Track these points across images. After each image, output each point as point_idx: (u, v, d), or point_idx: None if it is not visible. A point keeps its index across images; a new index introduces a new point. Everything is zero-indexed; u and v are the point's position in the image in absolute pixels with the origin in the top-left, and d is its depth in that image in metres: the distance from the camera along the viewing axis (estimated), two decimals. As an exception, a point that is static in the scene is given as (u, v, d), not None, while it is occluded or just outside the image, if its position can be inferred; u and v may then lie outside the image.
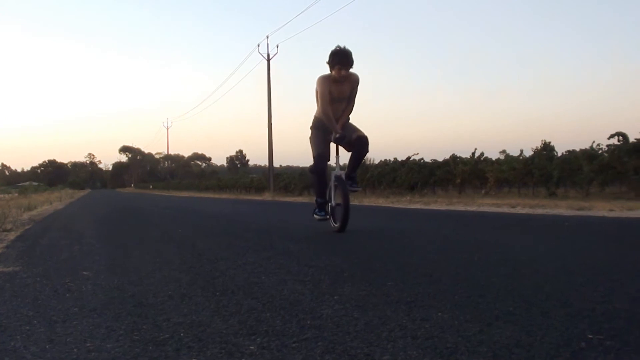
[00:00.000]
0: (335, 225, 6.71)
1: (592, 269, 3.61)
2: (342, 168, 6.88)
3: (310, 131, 7.05)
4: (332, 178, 6.87)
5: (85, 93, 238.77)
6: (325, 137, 6.86)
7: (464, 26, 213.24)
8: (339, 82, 6.57)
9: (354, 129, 6.81)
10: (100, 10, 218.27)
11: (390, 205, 15.03)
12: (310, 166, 6.92)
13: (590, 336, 2.10)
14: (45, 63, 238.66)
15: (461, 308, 2.60)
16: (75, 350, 2.18)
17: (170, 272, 4.04)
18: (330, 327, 2.36)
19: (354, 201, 17.71)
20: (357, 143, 6.74)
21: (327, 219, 6.88)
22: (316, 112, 6.91)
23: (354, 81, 6.72)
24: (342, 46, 6.44)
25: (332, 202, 6.90)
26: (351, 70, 6.56)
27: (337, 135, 6.63)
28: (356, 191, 6.95)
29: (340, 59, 6.40)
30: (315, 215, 6.97)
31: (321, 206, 6.92)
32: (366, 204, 16.38)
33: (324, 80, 6.60)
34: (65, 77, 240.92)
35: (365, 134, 6.78)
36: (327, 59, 6.48)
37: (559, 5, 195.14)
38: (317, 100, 6.78)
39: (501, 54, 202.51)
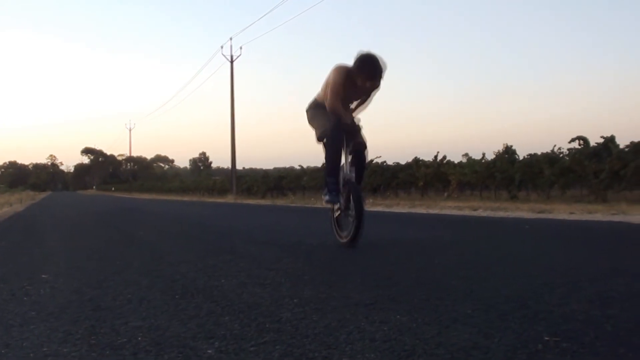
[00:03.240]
0: (343, 237, 5.52)
1: (551, 272, 3.65)
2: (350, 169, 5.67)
3: (307, 113, 6.00)
4: (340, 180, 5.67)
5: (47, 94, 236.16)
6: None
7: (428, 29, 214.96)
8: (358, 85, 5.53)
9: (357, 131, 5.74)
10: (64, 8, 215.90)
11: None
12: (322, 133, 5.70)
13: (547, 338, 2.11)
14: (4, 64, 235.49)
15: (420, 311, 2.61)
16: (31, 355, 2.15)
17: (130, 276, 4.00)
18: (289, 330, 2.35)
19: (306, 204, 17.73)
20: (355, 149, 5.72)
21: (337, 204, 5.68)
22: (317, 96, 5.88)
23: (375, 85, 5.64)
24: (376, 56, 5.42)
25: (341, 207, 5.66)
26: None
27: (347, 121, 5.57)
28: None
29: (371, 71, 5.40)
30: (324, 197, 5.79)
31: (332, 187, 5.66)
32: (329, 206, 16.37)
33: (342, 74, 5.53)
34: (26, 77, 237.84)
35: (365, 139, 5.78)
36: (355, 60, 5.42)
37: (520, 11, 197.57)
38: (326, 89, 5.69)
39: (463, 58, 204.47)
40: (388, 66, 5.40)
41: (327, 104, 5.64)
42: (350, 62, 5.40)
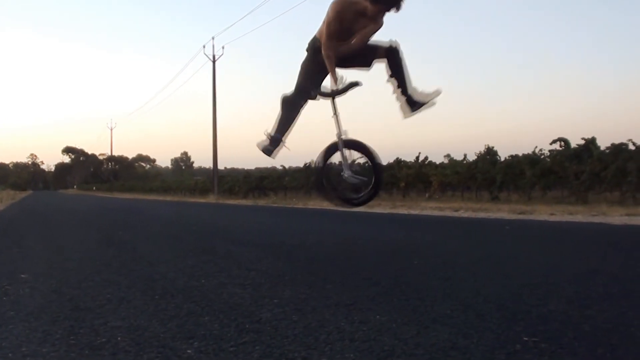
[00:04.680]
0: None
1: (530, 272, 3.67)
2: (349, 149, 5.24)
3: (306, 51, 5.34)
4: (340, 143, 5.22)
5: (27, 93, 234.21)
6: (321, 68, 5.15)
7: (410, 28, 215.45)
8: (364, 17, 4.86)
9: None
10: (45, 6, 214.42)
11: (334, 208, 15.07)
12: (285, 96, 5.33)
13: (525, 338, 2.13)
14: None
15: (399, 311, 2.61)
16: (10, 355, 2.13)
17: (110, 276, 3.98)
18: (268, 330, 2.35)
19: (287, 204, 17.72)
20: (389, 56, 5.13)
21: (270, 156, 5.39)
22: (317, 32, 5.20)
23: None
24: None
25: (346, 173, 5.16)
26: None
27: (336, 89, 5.11)
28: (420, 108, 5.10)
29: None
30: (260, 146, 5.44)
31: (274, 141, 5.31)
32: (310, 206, 16.42)
33: (339, 6, 4.86)
34: (6, 76, 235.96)
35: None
36: None
37: (506, 13, 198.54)
38: (323, 26, 5.06)
39: (447, 60, 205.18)
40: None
41: (322, 50, 5.05)
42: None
